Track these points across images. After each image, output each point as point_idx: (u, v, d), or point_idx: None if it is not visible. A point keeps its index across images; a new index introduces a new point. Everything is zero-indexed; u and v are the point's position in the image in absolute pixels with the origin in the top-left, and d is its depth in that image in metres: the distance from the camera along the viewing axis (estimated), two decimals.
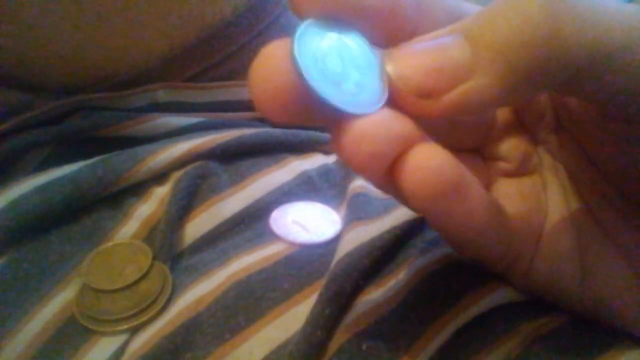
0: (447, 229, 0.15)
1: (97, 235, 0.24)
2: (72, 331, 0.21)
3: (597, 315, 0.18)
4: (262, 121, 0.31)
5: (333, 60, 0.13)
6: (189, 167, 0.26)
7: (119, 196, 0.25)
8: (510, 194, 0.18)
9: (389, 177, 0.13)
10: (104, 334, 0.21)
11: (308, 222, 0.24)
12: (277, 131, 0.30)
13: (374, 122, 0.13)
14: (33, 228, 0.23)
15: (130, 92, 0.29)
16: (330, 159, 0.29)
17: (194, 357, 0.19)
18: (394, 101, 0.13)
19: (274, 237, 0.24)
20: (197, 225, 0.24)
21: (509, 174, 0.19)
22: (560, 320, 0.19)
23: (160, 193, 0.25)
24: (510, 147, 0.19)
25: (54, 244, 0.23)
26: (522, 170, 0.19)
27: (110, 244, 0.23)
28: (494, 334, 0.19)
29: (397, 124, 0.13)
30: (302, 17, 0.14)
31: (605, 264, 0.17)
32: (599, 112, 0.15)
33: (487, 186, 0.19)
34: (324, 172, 0.28)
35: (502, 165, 0.19)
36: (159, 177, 0.26)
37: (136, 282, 0.22)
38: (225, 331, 0.20)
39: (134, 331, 0.21)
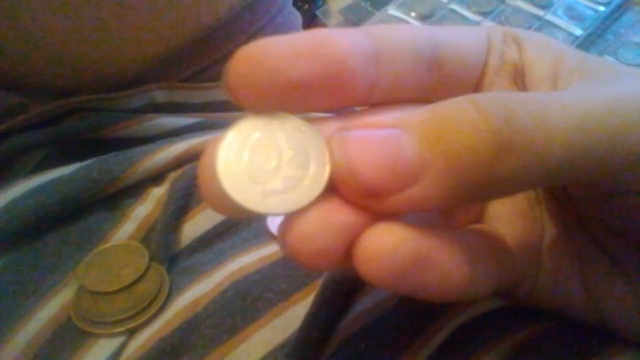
0: (432, 298, 0.14)
1: (94, 237, 0.24)
2: (69, 333, 0.21)
3: (602, 327, 0.18)
4: None
5: (263, 157, 0.12)
6: (185, 167, 0.26)
7: (115, 197, 0.25)
8: (505, 215, 0.18)
9: (348, 264, 0.12)
10: (101, 336, 0.21)
11: None
12: None
13: (313, 219, 0.12)
14: (29, 230, 0.23)
15: (127, 93, 0.29)
16: None
17: (191, 359, 0.19)
18: (335, 188, 0.12)
19: (271, 237, 0.24)
20: (194, 226, 0.24)
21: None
22: (552, 324, 0.19)
23: (157, 194, 0.25)
24: None
25: (50, 246, 0.23)
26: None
27: (107, 245, 0.23)
28: (489, 336, 0.19)
29: (337, 217, 0.12)
30: (241, 106, 0.13)
31: (606, 279, 0.17)
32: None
33: (481, 209, 0.18)
34: None
35: None
36: (156, 177, 0.26)
37: (133, 284, 0.22)
38: (222, 332, 0.20)
39: (132, 333, 0.21)
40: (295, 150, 0.13)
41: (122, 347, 0.20)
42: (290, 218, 0.12)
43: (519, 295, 0.18)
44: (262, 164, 0.12)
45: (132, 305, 0.21)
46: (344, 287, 0.20)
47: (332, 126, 0.13)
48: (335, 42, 0.13)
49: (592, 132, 0.12)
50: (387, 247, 0.12)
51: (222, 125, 0.30)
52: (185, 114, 0.30)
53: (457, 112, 0.12)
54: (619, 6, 0.57)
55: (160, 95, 0.30)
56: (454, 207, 0.14)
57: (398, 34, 0.14)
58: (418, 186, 0.12)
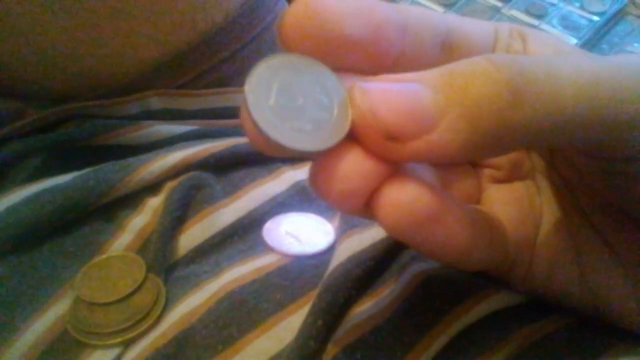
0: (435, 254, 0.15)
1: (90, 248, 0.24)
2: (65, 345, 0.21)
3: (597, 314, 0.18)
4: None
5: (290, 95, 0.13)
6: (182, 177, 0.26)
7: (112, 208, 0.25)
8: (503, 200, 0.18)
9: (367, 210, 0.14)
10: (97, 347, 0.21)
11: (301, 234, 0.24)
12: None
13: (347, 160, 0.13)
14: (24, 240, 0.23)
15: (123, 100, 0.29)
16: None
17: None
18: (356, 137, 0.13)
19: (267, 248, 0.24)
20: (191, 237, 0.24)
21: (500, 181, 0.19)
22: (555, 324, 0.20)
23: (154, 204, 0.25)
24: (498, 158, 0.19)
25: (46, 256, 0.23)
26: (513, 176, 0.19)
27: (103, 256, 0.23)
28: (490, 340, 0.19)
29: (368, 162, 0.13)
30: (289, 50, 0.14)
31: (602, 266, 0.18)
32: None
33: (479, 193, 0.19)
34: None
35: (492, 172, 0.19)
36: (153, 187, 0.26)
37: (130, 295, 0.22)
38: (218, 342, 0.20)
39: (127, 344, 0.21)
40: (319, 93, 0.14)
41: (118, 358, 0.20)
42: (322, 159, 0.13)
43: (514, 280, 0.19)
44: (289, 101, 0.13)
45: (128, 316, 0.21)
46: (339, 298, 0.20)
47: (354, 79, 0.14)
48: (377, 10, 0.14)
49: (601, 88, 0.13)
50: (407, 198, 0.13)
51: (220, 133, 0.30)
52: (182, 121, 0.30)
53: (473, 65, 0.13)
54: (613, 16, 0.57)
55: (155, 102, 0.30)
56: (469, 158, 0.15)
57: (420, 13, 0.15)
58: (436, 132, 0.13)
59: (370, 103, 0.13)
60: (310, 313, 0.20)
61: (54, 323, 0.21)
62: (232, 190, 0.26)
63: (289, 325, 0.20)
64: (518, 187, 0.19)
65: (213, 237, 0.24)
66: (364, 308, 0.21)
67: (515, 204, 0.18)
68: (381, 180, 0.13)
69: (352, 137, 0.13)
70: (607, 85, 0.13)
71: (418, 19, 0.15)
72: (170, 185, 0.26)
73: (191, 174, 0.26)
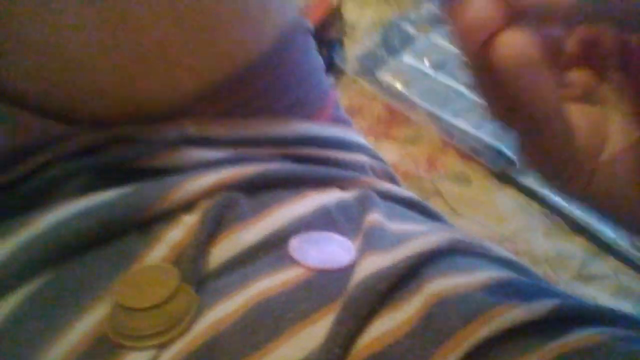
0: (524, 103, 0.17)
1: (129, 258, 0.25)
2: (103, 347, 0.22)
3: None
4: (284, 157, 0.33)
5: None
6: (216, 197, 0.28)
7: (150, 222, 0.27)
8: (574, 115, 0.19)
9: (482, 51, 0.16)
10: (133, 349, 0.22)
11: (325, 250, 0.26)
12: (298, 167, 0.32)
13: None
14: (71, 250, 0.25)
15: (162, 126, 0.32)
16: (347, 195, 0.31)
17: None
18: None
19: (292, 262, 0.25)
20: (221, 251, 0.26)
21: (573, 100, 0.20)
22: (577, 343, 0.20)
23: (189, 220, 0.27)
24: (575, 77, 0.20)
25: (88, 265, 0.25)
26: (586, 100, 0.20)
27: (141, 266, 0.25)
28: (509, 355, 0.20)
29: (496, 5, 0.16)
30: None
31: None
32: None
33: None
34: (342, 207, 0.30)
35: (566, 92, 0.20)
36: (188, 205, 0.28)
37: (165, 302, 0.23)
38: (246, 347, 0.21)
39: (162, 347, 0.22)
40: None
41: None
42: None
43: (573, 192, 0.20)
44: None
45: (163, 321, 0.23)
46: (363, 310, 0.22)
47: None
48: None
49: None
50: (522, 41, 0.16)
51: (250, 160, 0.32)
52: (215, 147, 0.32)
53: None
54: None
55: (192, 129, 0.32)
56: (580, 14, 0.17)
57: None
58: None
59: None
60: (336, 321, 0.21)
61: (93, 326, 0.23)
62: (260, 210, 0.28)
63: (313, 333, 0.22)
64: (589, 109, 0.20)
65: (242, 252, 0.26)
66: (385, 321, 0.22)
67: (584, 120, 0.19)
68: (502, 24, 0.16)
69: None
70: None
71: None
72: (204, 203, 0.28)
73: (224, 194, 0.28)
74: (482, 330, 0.20)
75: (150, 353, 0.22)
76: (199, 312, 0.23)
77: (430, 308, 0.22)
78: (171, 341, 0.22)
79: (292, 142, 0.34)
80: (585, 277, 0.72)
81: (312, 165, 0.32)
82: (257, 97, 0.33)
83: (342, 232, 0.28)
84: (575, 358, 0.20)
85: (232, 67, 0.32)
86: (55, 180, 0.29)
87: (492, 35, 0.16)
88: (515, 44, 0.16)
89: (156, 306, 0.23)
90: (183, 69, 0.31)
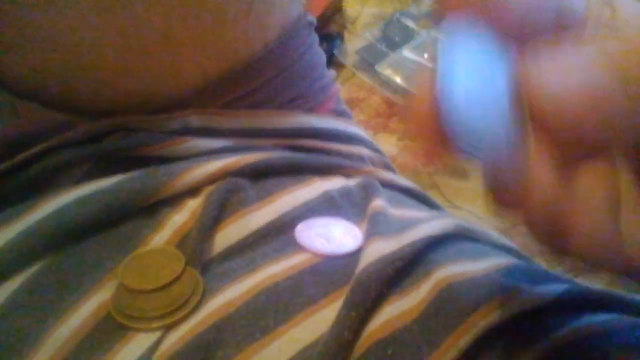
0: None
1: (133, 241, 0.25)
2: (109, 327, 0.22)
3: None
4: (284, 148, 0.33)
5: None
6: (219, 182, 0.28)
7: (154, 206, 0.27)
8: None
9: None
10: (138, 330, 0.22)
11: (331, 235, 0.25)
12: (301, 155, 0.31)
13: None
14: (74, 234, 0.25)
15: (165, 117, 0.31)
16: (351, 182, 0.31)
17: (225, 355, 0.20)
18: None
19: (299, 247, 0.25)
20: (226, 236, 0.26)
21: None
22: (586, 330, 0.20)
23: (193, 205, 0.27)
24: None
25: (92, 248, 0.25)
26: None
27: (145, 249, 0.25)
28: (517, 341, 0.20)
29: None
30: (445, 15, 0.16)
31: None
32: None
33: None
34: (345, 193, 0.30)
35: None
36: (192, 190, 0.27)
37: (169, 284, 0.23)
38: (255, 331, 0.21)
39: (168, 329, 0.22)
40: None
41: (158, 342, 0.21)
42: None
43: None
44: None
45: (168, 303, 0.22)
46: (371, 294, 0.21)
47: None
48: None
49: None
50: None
51: (251, 149, 0.32)
52: (217, 138, 0.32)
53: None
54: None
55: (195, 120, 0.32)
56: None
57: None
58: None
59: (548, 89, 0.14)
60: (344, 305, 0.21)
61: (98, 307, 0.22)
62: (265, 195, 0.28)
63: (321, 318, 0.22)
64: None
65: (247, 236, 0.26)
66: (394, 306, 0.22)
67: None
68: None
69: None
70: None
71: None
72: (208, 188, 0.27)
73: (228, 179, 0.28)
74: (493, 315, 0.21)
75: (156, 335, 0.22)
76: (204, 295, 0.23)
77: (439, 293, 0.22)
78: (177, 323, 0.22)
79: (294, 134, 0.34)
80: (580, 270, 0.72)
81: (315, 155, 0.32)
82: (260, 90, 0.33)
83: (346, 218, 0.28)
84: (586, 344, 0.20)
85: (236, 61, 0.32)
86: (56, 167, 0.29)
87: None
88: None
89: (161, 288, 0.23)
90: (187, 61, 0.31)
